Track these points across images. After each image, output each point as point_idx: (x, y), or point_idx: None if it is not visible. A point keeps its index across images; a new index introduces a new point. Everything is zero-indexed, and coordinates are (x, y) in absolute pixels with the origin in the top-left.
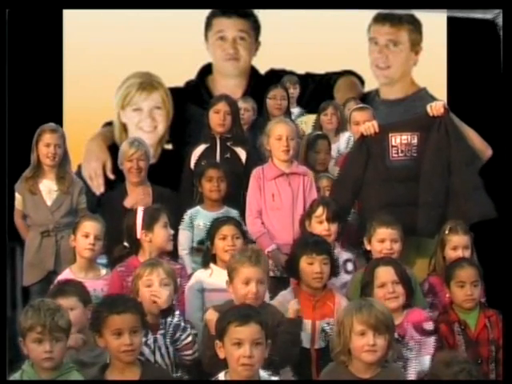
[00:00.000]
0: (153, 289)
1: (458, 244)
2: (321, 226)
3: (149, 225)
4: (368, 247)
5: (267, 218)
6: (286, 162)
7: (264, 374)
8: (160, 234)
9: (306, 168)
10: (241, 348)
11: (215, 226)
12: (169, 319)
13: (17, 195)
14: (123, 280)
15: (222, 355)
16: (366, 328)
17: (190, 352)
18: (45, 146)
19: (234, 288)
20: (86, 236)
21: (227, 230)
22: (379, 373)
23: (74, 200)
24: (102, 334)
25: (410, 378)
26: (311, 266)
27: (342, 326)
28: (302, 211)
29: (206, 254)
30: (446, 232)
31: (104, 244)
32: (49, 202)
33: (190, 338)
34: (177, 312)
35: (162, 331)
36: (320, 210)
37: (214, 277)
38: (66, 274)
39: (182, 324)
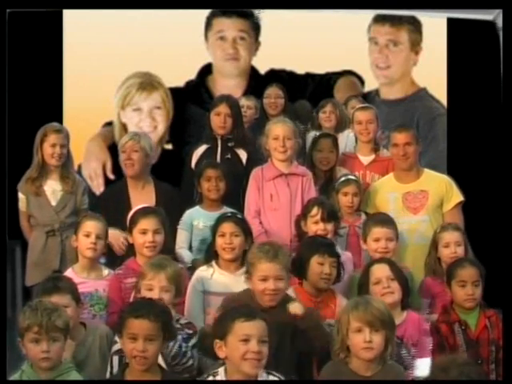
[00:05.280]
0: (152, 296)
1: (449, 240)
2: (316, 226)
3: (129, 228)
4: (364, 247)
5: (265, 218)
6: (284, 162)
7: (265, 375)
8: (137, 239)
9: (306, 168)
10: (248, 344)
11: (217, 222)
12: (171, 343)
13: (20, 196)
14: (121, 282)
15: (222, 355)
16: (362, 325)
17: (187, 375)
18: (50, 146)
19: (252, 283)
20: (88, 235)
21: (226, 227)
22: (379, 371)
23: (77, 200)
24: (122, 336)
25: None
26: (321, 267)
27: (340, 323)
28: (300, 212)
29: (208, 250)
30: (438, 231)
31: (106, 244)
32: (53, 203)
33: (190, 362)
34: (179, 337)
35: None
36: (315, 210)
37: (214, 279)
38: (68, 274)
39: (183, 349)
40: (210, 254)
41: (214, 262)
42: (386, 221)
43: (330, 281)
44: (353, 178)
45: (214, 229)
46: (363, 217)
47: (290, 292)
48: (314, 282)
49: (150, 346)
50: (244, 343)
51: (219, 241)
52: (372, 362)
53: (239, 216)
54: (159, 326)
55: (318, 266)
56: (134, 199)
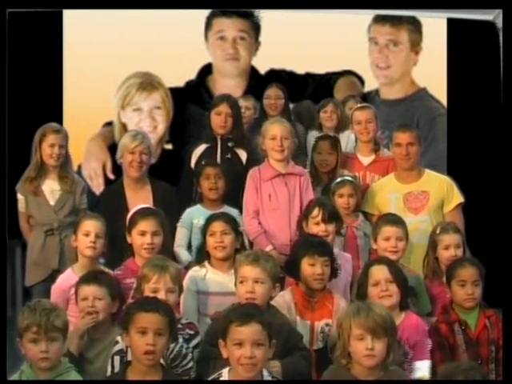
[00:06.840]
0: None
1: (449, 243)
2: (318, 227)
3: (128, 229)
4: (374, 246)
5: (264, 218)
6: (281, 162)
7: (266, 374)
8: (135, 240)
9: (303, 168)
10: (242, 348)
11: (207, 221)
12: (172, 345)
13: (19, 196)
14: (119, 283)
15: (225, 354)
16: (363, 332)
17: (186, 377)
18: (49, 146)
19: (237, 290)
20: (87, 235)
21: (216, 225)
22: (381, 377)
23: (76, 199)
24: (129, 332)
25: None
26: (312, 268)
27: (341, 329)
28: (299, 212)
29: (200, 250)
30: (437, 232)
31: (105, 243)
32: (52, 202)
33: (189, 365)
34: (180, 339)
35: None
36: (316, 211)
37: (207, 279)
38: (68, 274)
39: (184, 351)
40: (202, 254)
41: (206, 262)
42: (396, 221)
43: (323, 280)
44: (348, 178)
45: (205, 229)
46: (361, 217)
47: (288, 292)
48: (307, 283)
49: (159, 340)
50: (238, 347)
51: (210, 240)
52: (374, 368)
53: (229, 215)
54: (167, 322)
55: (309, 267)
56: (131, 200)
